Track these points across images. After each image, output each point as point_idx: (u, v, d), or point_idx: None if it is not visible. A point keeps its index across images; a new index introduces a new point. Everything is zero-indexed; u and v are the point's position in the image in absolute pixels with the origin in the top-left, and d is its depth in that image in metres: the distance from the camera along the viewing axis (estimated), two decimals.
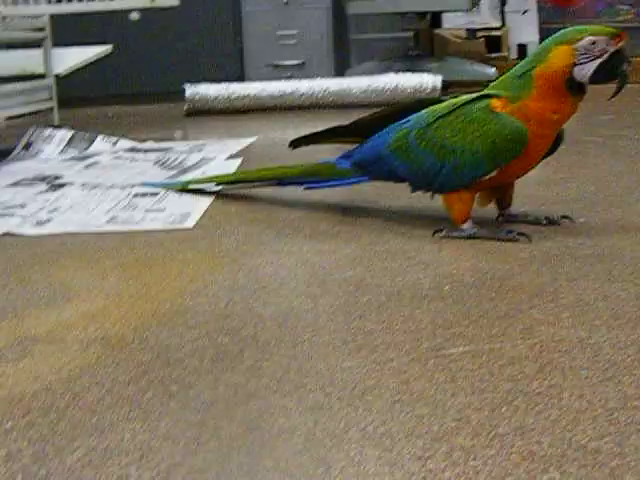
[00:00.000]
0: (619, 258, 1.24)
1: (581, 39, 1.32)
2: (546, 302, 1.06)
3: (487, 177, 1.36)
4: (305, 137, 1.69)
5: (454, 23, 4.26)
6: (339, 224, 1.52)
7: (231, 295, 1.14)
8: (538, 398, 0.78)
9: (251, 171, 1.83)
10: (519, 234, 1.36)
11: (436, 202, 1.45)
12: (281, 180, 1.68)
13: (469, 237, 1.37)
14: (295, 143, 1.71)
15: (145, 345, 0.98)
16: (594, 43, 1.31)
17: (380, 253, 1.32)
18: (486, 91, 1.40)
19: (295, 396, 0.82)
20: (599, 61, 1.31)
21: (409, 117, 1.46)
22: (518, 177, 1.43)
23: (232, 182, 1.82)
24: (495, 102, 1.36)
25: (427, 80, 3.31)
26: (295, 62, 4.01)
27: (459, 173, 1.37)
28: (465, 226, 1.38)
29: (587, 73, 1.31)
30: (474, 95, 1.40)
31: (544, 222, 1.45)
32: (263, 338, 0.98)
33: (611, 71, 1.33)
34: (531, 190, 1.64)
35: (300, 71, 3.96)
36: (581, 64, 1.31)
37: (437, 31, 4.22)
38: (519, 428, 0.72)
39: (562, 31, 1.36)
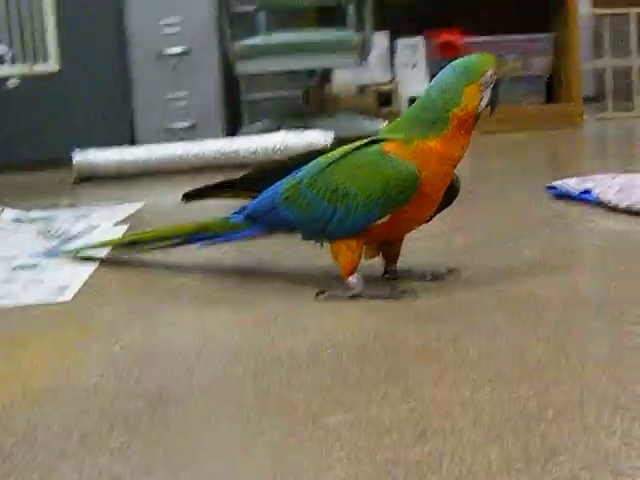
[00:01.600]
0: (505, 310, 1.23)
1: (484, 73, 1.31)
2: (429, 362, 1.03)
3: (379, 222, 1.33)
4: (198, 190, 1.64)
5: (344, 79, 4.27)
6: (223, 289, 1.47)
7: (104, 371, 1.09)
8: (417, 467, 0.74)
9: (142, 232, 1.77)
10: (404, 291, 1.33)
11: (324, 261, 1.41)
12: (173, 239, 1.63)
13: (353, 297, 1.34)
14: (188, 196, 1.66)
15: (10, 427, 0.92)
16: (490, 76, 1.32)
17: (262, 317, 1.28)
18: (379, 135, 1.38)
19: (160, 478, 0.77)
20: (490, 90, 1.32)
21: (302, 167, 1.44)
22: (418, 224, 1.41)
23: (123, 245, 1.76)
24: (388, 145, 1.34)
25: (318, 137, 3.30)
26: (186, 125, 3.97)
27: (351, 218, 1.34)
28: (351, 279, 1.35)
29: (484, 104, 1.32)
30: (366, 140, 1.38)
31: (429, 278, 1.43)
32: (133, 415, 0.93)
33: (494, 97, 1.34)
34: (419, 243, 1.61)
35: (191, 133, 3.92)
36: (482, 99, 1.32)
37: (327, 87, 4.23)
38: None
39: (462, 66, 1.33)
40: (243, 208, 1.53)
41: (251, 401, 0.94)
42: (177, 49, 3.94)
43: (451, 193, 1.42)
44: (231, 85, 4.19)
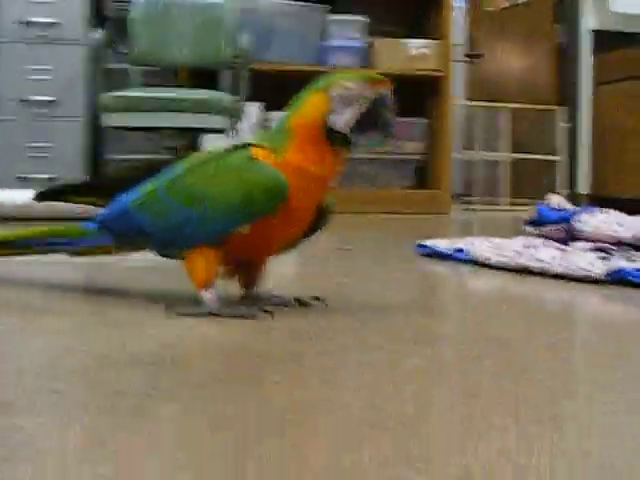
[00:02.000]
0: (372, 331, 1.12)
1: (337, 85, 1.19)
2: (289, 368, 0.90)
3: (239, 231, 1.19)
4: (53, 189, 1.47)
5: (214, 145, 4.16)
6: (68, 299, 1.32)
7: None
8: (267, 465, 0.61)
9: None
10: (264, 311, 1.20)
11: (182, 282, 1.27)
12: (15, 242, 1.43)
13: (208, 314, 1.20)
14: (42, 196, 1.47)
15: None
16: (347, 89, 1.19)
17: (102, 324, 1.14)
18: (247, 141, 1.26)
19: None
20: (357, 109, 1.20)
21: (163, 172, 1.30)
22: (282, 244, 1.27)
23: None
24: (257, 151, 1.22)
25: None
26: (45, 176, 3.79)
27: (208, 224, 1.20)
28: (206, 294, 1.20)
29: (345, 122, 1.19)
30: (234, 144, 1.25)
31: (293, 303, 1.29)
32: None
33: (372, 120, 1.20)
34: (284, 281, 1.50)
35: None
36: (337, 112, 1.19)
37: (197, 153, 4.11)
38: None
39: (319, 79, 1.24)
40: (97, 215, 1.37)
41: (67, 390, 0.80)
42: (43, 98, 3.79)
43: (321, 218, 1.31)
44: (98, 142, 4.05)
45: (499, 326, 1.22)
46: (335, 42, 4.16)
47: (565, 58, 5.14)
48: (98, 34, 3.50)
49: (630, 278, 1.59)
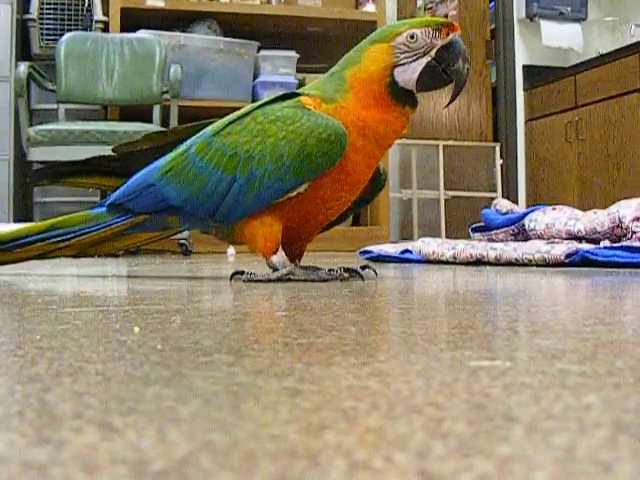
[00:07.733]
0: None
1: (399, 34, 1.06)
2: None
3: (295, 192, 1.05)
4: (52, 167, 1.32)
5: None
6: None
7: None
8: None
9: None
10: (347, 270, 1.09)
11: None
12: (29, 237, 1.29)
13: (281, 279, 1.06)
14: (36, 176, 1.34)
15: None
16: (413, 37, 1.06)
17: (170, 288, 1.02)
18: (291, 90, 1.13)
19: None
20: (425, 60, 1.06)
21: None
22: (336, 210, 1.14)
23: None
24: (306, 99, 1.08)
25: None
26: None
27: (257, 188, 1.05)
28: (275, 259, 1.07)
29: (412, 76, 1.06)
30: (278, 93, 1.11)
31: (344, 273, 1.13)
32: None
33: (442, 71, 1.07)
34: None
35: None
36: (402, 64, 1.06)
37: None
38: None
39: (379, 29, 1.10)
40: (106, 198, 1.24)
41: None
42: None
43: (376, 185, 1.18)
44: (25, 187, 3.91)
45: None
46: (266, 78, 4.07)
47: (498, 94, 5.11)
48: (23, 67, 3.38)
49: (588, 256, 1.52)
